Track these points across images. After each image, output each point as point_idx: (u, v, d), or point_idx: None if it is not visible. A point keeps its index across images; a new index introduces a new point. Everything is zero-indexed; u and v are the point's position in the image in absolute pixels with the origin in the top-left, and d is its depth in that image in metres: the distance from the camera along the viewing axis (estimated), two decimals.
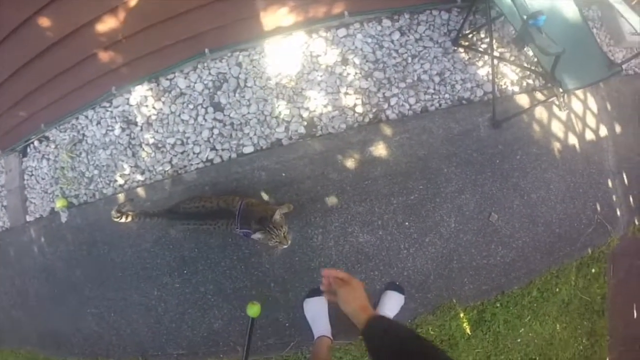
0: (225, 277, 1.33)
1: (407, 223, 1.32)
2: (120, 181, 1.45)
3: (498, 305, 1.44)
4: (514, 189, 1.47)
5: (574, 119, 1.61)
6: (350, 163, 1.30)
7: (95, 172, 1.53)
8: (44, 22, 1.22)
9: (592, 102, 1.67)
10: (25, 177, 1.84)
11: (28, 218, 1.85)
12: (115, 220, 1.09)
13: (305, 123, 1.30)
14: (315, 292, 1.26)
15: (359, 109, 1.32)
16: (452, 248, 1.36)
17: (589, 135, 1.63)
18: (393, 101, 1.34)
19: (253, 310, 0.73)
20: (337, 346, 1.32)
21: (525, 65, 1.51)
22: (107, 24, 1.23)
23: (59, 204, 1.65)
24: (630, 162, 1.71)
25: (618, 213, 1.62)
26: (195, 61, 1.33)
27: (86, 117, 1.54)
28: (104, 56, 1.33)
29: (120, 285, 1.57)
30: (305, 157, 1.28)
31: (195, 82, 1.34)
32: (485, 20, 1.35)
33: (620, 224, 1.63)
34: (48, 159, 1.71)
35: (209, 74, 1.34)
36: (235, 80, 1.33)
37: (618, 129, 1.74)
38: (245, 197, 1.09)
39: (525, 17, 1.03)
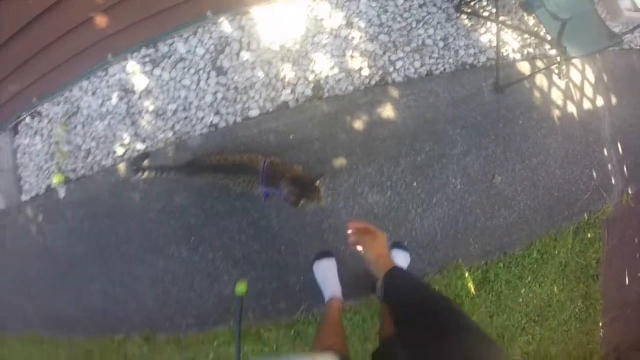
0: (234, 243, 1.33)
1: (415, 184, 1.36)
2: (120, 152, 1.42)
3: (501, 265, 1.51)
4: (516, 153, 1.52)
5: (573, 88, 1.67)
6: (358, 124, 1.30)
7: (93, 144, 1.49)
8: None
9: (589, 73, 1.72)
10: (18, 155, 1.78)
11: (24, 198, 1.80)
12: (135, 177, 1.08)
13: (312, 85, 1.29)
14: (325, 255, 1.28)
15: (366, 72, 1.32)
16: (458, 209, 1.40)
17: (587, 105, 1.69)
18: (399, 64, 1.34)
19: (241, 288, 0.73)
20: (347, 308, 1.36)
21: (529, 31, 1.52)
22: None
23: (56, 179, 1.60)
24: (625, 133, 1.78)
25: (613, 181, 1.69)
26: (196, 25, 1.29)
27: (80, 88, 1.49)
28: (100, 21, 1.28)
29: (125, 259, 1.56)
30: (313, 119, 1.28)
31: (196, 47, 1.31)
32: None
33: (615, 192, 1.70)
34: (41, 135, 1.65)
35: (211, 37, 1.31)
36: (239, 44, 1.30)
37: (614, 100, 1.79)
38: (269, 155, 1.08)
39: None
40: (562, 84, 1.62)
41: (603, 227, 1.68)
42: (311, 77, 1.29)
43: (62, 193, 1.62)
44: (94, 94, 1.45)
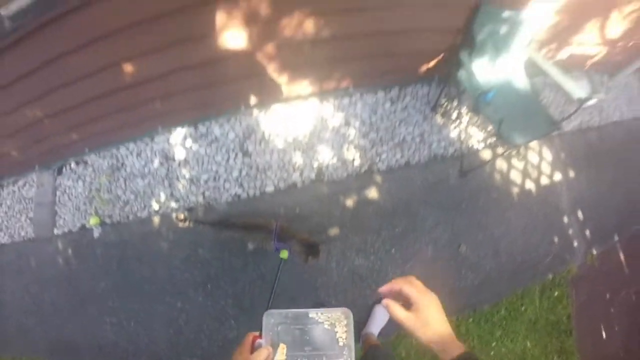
0: (244, 292, 1.64)
1: (393, 250, 1.71)
2: (156, 207, 1.75)
3: (471, 320, 1.77)
4: (478, 226, 1.85)
5: (531, 168, 2.03)
6: (349, 203, 1.70)
7: (132, 196, 1.81)
8: (127, 67, 1.52)
9: (547, 153, 2.10)
10: (58, 193, 2.07)
11: (56, 231, 2.07)
12: (179, 224, 1.40)
13: (316, 171, 1.70)
14: (319, 305, 1.59)
15: (357, 162, 1.73)
16: (430, 272, 1.71)
17: (545, 181, 2.03)
18: (383, 156, 1.76)
19: (284, 254, 0.99)
20: None
21: (484, 127, 1.95)
22: (169, 81, 1.57)
23: (92, 221, 1.90)
24: (584, 202, 2.10)
25: (575, 244, 1.98)
26: (230, 115, 1.67)
27: (127, 148, 1.84)
28: (161, 102, 1.65)
29: (146, 298, 1.83)
30: (315, 197, 1.68)
31: (228, 131, 1.71)
32: (455, 93, 1.80)
33: (578, 253, 1.95)
34: (84, 181, 1.97)
35: (240, 125, 1.72)
36: (262, 133, 1.71)
37: (572, 174, 2.15)
38: (280, 220, 1.45)
39: (476, 92, 1.46)
40: (520, 165, 1.99)
41: (569, 285, 1.89)
42: (315, 164, 1.70)
43: (96, 233, 1.91)
44: (138, 155, 1.80)
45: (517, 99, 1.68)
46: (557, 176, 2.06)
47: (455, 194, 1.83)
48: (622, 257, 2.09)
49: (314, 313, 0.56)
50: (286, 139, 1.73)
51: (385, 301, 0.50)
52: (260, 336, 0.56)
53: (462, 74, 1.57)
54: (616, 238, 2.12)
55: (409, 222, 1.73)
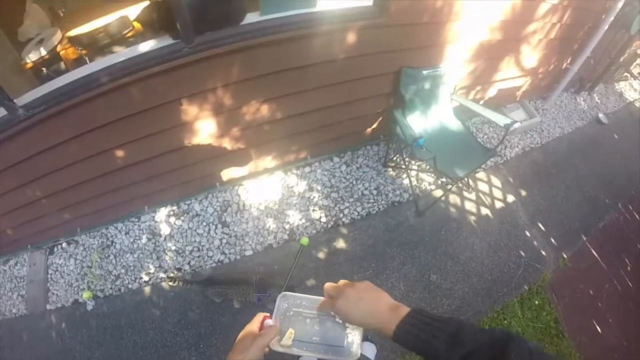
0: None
1: None
2: (145, 278, 1.94)
3: None
4: (444, 255, 2.03)
5: (483, 196, 2.29)
6: (321, 255, 1.95)
7: (122, 270, 2.00)
8: (119, 152, 1.75)
9: (495, 180, 2.37)
10: (50, 271, 2.22)
11: (48, 307, 2.20)
12: (169, 284, 1.60)
13: (288, 232, 1.96)
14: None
15: (323, 219, 2.00)
16: (406, 304, 1.92)
17: (499, 204, 2.27)
18: (346, 211, 2.05)
19: (304, 240, 1.10)
20: None
21: (429, 169, 2.23)
22: (153, 164, 1.81)
23: (85, 295, 2.05)
24: (542, 214, 2.31)
25: (543, 253, 2.12)
26: (207, 192, 1.94)
27: (115, 227, 2.04)
28: (146, 184, 1.90)
29: None
30: (290, 254, 1.92)
31: (207, 206, 1.97)
32: (400, 146, 2.08)
33: (548, 260, 2.06)
34: (75, 259, 2.14)
35: (217, 200, 1.98)
36: (237, 205, 1.98)
37: (523, 192, 2.40)
38: (257, 275, 1.68)
39: (411, 140, 1.70)
40: (472, 195, 2.24)
41: (548, 291, 1.97)
42: (287, 226, 1.96)
43: (89, 306, 2.06)
44: (127, 233, 2.00)
45: (451, 140, 1.95)
46: (510, 197, 2.29)
47: (416, 231, 2.06)
48: (594, 253, 2.21)
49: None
50: (259, 207, 1.99)
51: (322, 301, 0.56)
52: (270, 317, 0.57)
53: (398, 129, 1.85)
54: (584, 238, 2.23)
55: (378, 264, 1.94)
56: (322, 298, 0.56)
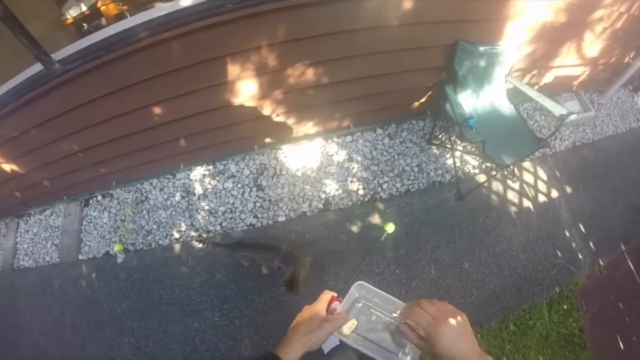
0: (258, 312, 1.87)
1: (397, 271, 1.89)
2: (177, 235, 2.02)
3: (479, 336, 1.86)
4: (480, 244, 1.99)
5: (527, 187, 2.21)
6: (355, 228, 1.92)
7: (154, 226, 2.08)
8: (154, 110, 1.79)
9: (541, 172, 2.28)
10: (84, 223, 2.36)
11: (80, 257, 2.34)
12: (198, 246, 1.65)
13: (323, 201, 1.95)
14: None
15: (360, 192, 1.98)
16: (434, 290, 1.85)
17: (542, 198, 2.19)
18: (385, 186, 2.01)
19: (390, 226, 1.10)
20: None
21: (477, 153, 2.16)
22: (190, 122, 1.85)
23: (117, 248, 2.17)
24: (585, 215, 2.23)
25: (580, 256, 2.03)
26: (244, 154, 1.98)
27: (150, 183, 2.12)
28: (183, 142, 1.95)
29: (164, 318, 2.05)
30: (323, 224, 1.91)
31: (243, 168, 1.99)
32: (447, 124, 2.01)
33: (584, 265, 2.02)
34: (109, 212, 2.25)
35: (254, 163, 2.00)
36: (273, 169, 1.99)
37: (569, 189, 2.31)
38: (289, 246, 1.67)
39: (461, 120, 1.64)
40: (515, 185, 2.17)
41: (578, 297, 1.94)
42: (322, 195, 1.95)
43: (120, 259, 2.18)
44: (161, 189, 2.08)
45: (502, 124, 1.88)
46: (554, 193, 2.21)
47: (454, 215, 2.01)
48: (631, 265, 2.14)
49: (400, 307, 0.55)
50: (296, 173, 1.97)
51: (401, 327, 0.51)
52: (338, 299, 0.57)
53: (447, 106, 1.79)
54: (623, 247, 2.16)
55: (411, 244, 1.91)
56: (396, 300, 0.56)
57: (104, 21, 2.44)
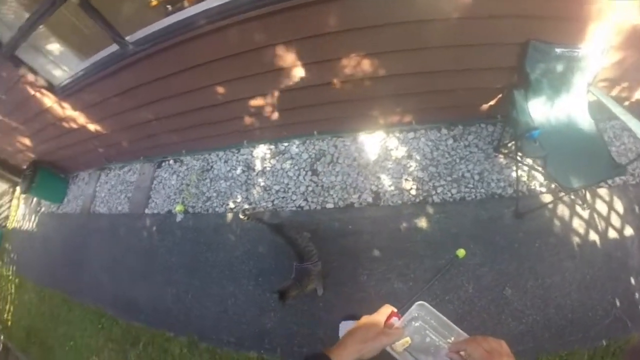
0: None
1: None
2: (232, 205, 2.22)
3: None
4: (529, 271, 1.81)
5: (597, 217, 1.93)
6: (399, 228, 1.91)
7: (214, 194, 2.32)
8: (219, 89, 2.04)
9: (618, 203, 1.98)
10: (155, 182, 2.72)
11: (147, 211, 2.69)
12: (242, 218, 1.80)
13: (373, 195, 1.99)
14: (351, 317, 1.74)
15: (413, 192, 1.97)
16: (467, 310, 1.75)
17: (612, 234, 1.91)
18: (439, 189, 1.97)
19: (461, 253, 1.10)
20: None
21: (536, 167, 1.95)
22: (257, 101, 2.04)
23: (178, 208, 2.46)
24: None
25: None
26: (305, 138, 2.12)
27: (217, 155, 2.38)
28: (247, 120, 2.16)
29: (206, 277, 2.26)
30: (369, 218, 1.94)
31: (302, 152, 2.13)
32: (516, 133, 1.82)
33: None
34: (178, 175, 2.57)
35: (313, 148, 2.12)
36: (331, 156, 2.09)
37: None
38: (317, 263, 1.72)
39: (524, 129, 1.51)
40: (584, 213, 1.92)
41: (626, 358, 1.71)
42: (374, 189, 1.99)
43: (179, 218, 2.47)
44: (225, 162, 2.32)
45: (576, 141, 1.68)
46: (629, 230, 1.93)
47: (508, 234, 1.87)
48: None
49: (457, 335, 0.58)
50: (351, 164, 2.03)
51: (450, 354, 0.54)
52: (397, 314, 0.60)
53: (514, 113, 1.64)
54: None
55: (452, 255, 1.80)
56: (455, 327, 0.58)
57: (185, 3, 2.79)
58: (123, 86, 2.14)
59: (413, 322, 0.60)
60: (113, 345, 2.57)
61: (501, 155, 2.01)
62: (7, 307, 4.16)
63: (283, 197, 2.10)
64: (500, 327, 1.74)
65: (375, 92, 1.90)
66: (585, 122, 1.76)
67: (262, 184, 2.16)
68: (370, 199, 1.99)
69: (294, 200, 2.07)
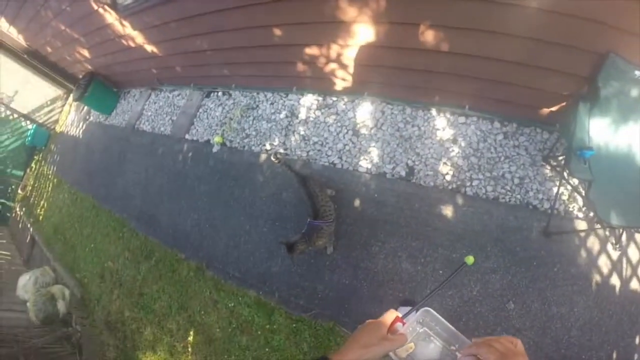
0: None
1: (441, 271, 1.84)
2: (268, 147, 2.32)
3: None
4: (539, 293, 1.78)
5: (625, 262, 1.85)
6: (422, 209, 1.91)
7: (253, 132, 2.43)
8: (276, 31, 2.08)
9: None
10: (200, 110, 2.88)
11: (187, 136, 2.88)
12: (273, 160, 1.87)
13: (407, 170, 1.99)
14: (409, 303, 1.75)
15: (448, 177, 1.95)
16: (465, 310, 1.76)
17: (635, 285, 1.82)
18: (475, 182, 1.93)
19: (470, 260, 1.12)
20: None
21: (580, 190, 1.83)
22: (312, 50, 2.06)
23: (217, 139, 2.61)
24: None
25: None
26: (355, 96, 2.15)
27: (265, 95, 2.47)
28: (300, 67, 2.21)
29: (227, 210, 2.41)
30: (396, 191, 1.95)
31: (348, 110, 2.15)
32: (570, 147, 1.68)
33: None
34: (223, 108, 2.70)
35: (360, 108, 2.14)
36: (375, 121, 2.09)
37: None
38: (331, 223, 1.75)
39: (577, 146, 1.45)
40: (614, 253, 1.84)
41: None
42: (410, 164, 1.99)
43: (215, 149, 2.62)
44: (272, 104, 2.40)
45: (630, 175, 1.58)
46: None
47: (529, 249, 1.84)
48: None
49: (462, 342, 0.58)
50: (394, 133, 2.03)
51: (465, 358, 0.54)
52: (402, 320, 0.60)
53: (572, 125, 1.55)
54: None
55: (469, 253, 1.81)
56: (460, 334, 0.57)
57: None
58: (184, 13, 2.21)
59: (418, 329, 0.61)
60: (129, 254, 2.83)
61: (548, 167, 1.93)
62: (42, 203, 4.70)
63: (319, 150, 2.16)
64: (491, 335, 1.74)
65: (435, 66, 1.85)
66: None
67: (301, 132, 2.23)
68: (403, 173, 2.00)
69: (329, 156, 2.13)
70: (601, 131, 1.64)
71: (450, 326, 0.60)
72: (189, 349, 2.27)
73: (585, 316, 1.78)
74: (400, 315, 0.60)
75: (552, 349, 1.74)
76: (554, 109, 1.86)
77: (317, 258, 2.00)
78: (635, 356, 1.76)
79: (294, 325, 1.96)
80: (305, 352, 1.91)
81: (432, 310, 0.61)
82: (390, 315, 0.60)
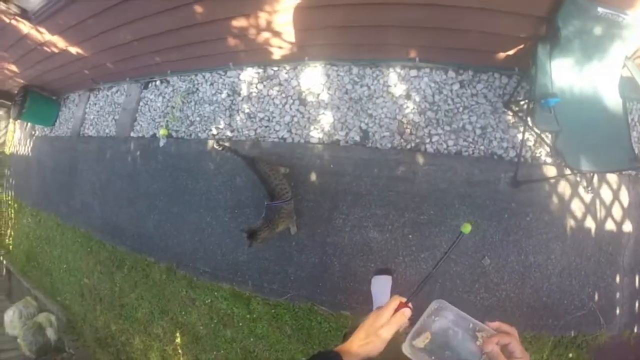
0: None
1: (410, 236, 1.77)
2: (214, 132, 2.19)
3: None
4: (514, 245, 1.75)
5: (599, 204, 1.83)
6: (383, 174, 1.79)
7: (197, 118, 2.29)
8: (198, 9, 1.89)
9: (624, 195, 1.87)
10: (141, 104, 2.71)
11: (132, 134, 2.73)
12: (216, 148, 1.74)
13: (361, 135, 1.85)
14: (384, 272, 1.71)
15: (406, 137, 1.90)
16: (441, 272, 1.71)
17: (610, 225, 1.83)
18: (435, 138, 1.82)
19: (467, 228, 1.08)
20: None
21: (545, 138, 1.79)
22: (240, 22, 1.87)
23: (162, 132, 2.47)
24: None
25: (617, 311, 1.76)
26: (296, 63, 2.02)
27: (203, 77, 2.31)
28: (232, 41, 2.05)
29: (185, 205, 2.30)
30: (352, 159, 1.82)
31: (292, 79, 1.99)
32: (532, 93, 1.61)
33: (616, 323, 1.76)
34: (163, 97, 2.53)
35: (303, 75, 1.97)
36: (322, 86, 1.93)
37: None
38: (289, 201, 1.68)
39: (540, 94, 1.37)
40: (586, 197, 1.82)
41: (591, 352, 1.75)
42: (363, 127, 1.86)
43: (162, 142, 2.49)
44: (211, 84, 2.25)
45: (597, 119, 1.54)
46: (628, 226, 1.85)
47: (499, 201, 1.78)
48: None
49: (478, 327, 0.60)
50: (342, 97, 1.87)
51: (489, 346, 0.56)
52: (408, 305, 0.61)
53: (533, 70, 1.49)
54: None
55: (437, 214, 1.75)
56: (475, 322, 0.59)
57: None
58: (96, 7, 2.05)
59: (434, 317, 0.61)
60: (101, 267, 2.73)
61: (510, 113, 1.83)
62: (9, 232, 4.54)
63: (266, 127, 2.02)
64: (472, 296, 1.74)
65: (377, 20, 1.68)
66: (612, 99, 1.57)
67: (246, 110, 2.09)
68: (357, 138, 1.89)
69: (277, 131, 2.00)
70: (564, 74, 1.56)
71: (466, 315, 0.61)
72: (179, 351, 2.25)
73: (563, 262, 1.79)
74: (404, 300, 0.61)
75: (533, 298, 1.74)
76: (510, 52, 1.73)
77: (283, 240, 1.94)
78: (617, 294, 1.79)
79: (273, 310, 1.93)
80: (290, 335, 1.89)
81: (444, 301, 0.62)
82: (394, 303, 0.61)
